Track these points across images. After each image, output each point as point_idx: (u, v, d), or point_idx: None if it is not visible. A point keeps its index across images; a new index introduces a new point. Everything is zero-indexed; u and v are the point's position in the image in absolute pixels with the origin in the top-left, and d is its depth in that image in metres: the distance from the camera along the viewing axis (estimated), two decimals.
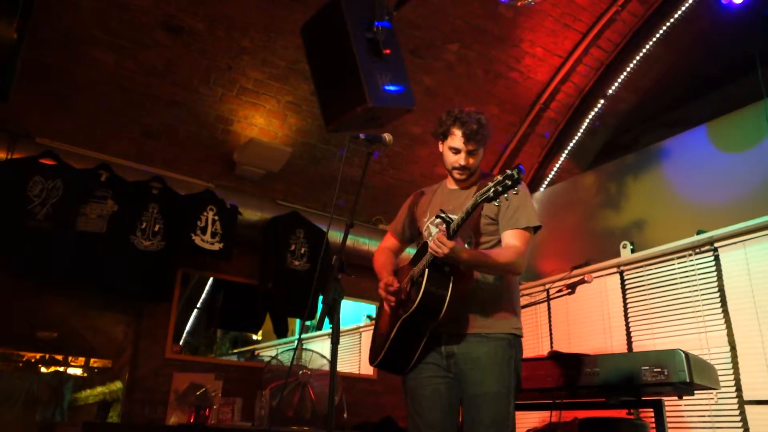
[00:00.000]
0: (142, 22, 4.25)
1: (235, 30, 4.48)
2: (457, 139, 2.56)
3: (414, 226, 2.81)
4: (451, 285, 2.36)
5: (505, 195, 2.15)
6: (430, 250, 2.30)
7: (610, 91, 5.71)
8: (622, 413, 3.47)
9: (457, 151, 2.58)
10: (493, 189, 2.15)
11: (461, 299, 2.41)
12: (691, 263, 4.32)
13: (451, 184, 2.74)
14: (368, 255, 4.39)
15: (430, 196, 2.78)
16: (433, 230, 2.62)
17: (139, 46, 4.34)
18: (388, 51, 3.32)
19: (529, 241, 2.51)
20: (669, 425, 3.37)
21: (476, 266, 2.45)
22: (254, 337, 8.59)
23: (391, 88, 3.22)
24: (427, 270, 2.35)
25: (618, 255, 4.84)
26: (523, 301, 5.13)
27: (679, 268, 4.40)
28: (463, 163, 2.57)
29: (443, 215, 2.30)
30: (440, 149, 2.66)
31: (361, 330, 7.17)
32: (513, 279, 2.59)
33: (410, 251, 2.74)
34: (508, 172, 2.13)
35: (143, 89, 4.51)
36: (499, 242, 2.54)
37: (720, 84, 5.25)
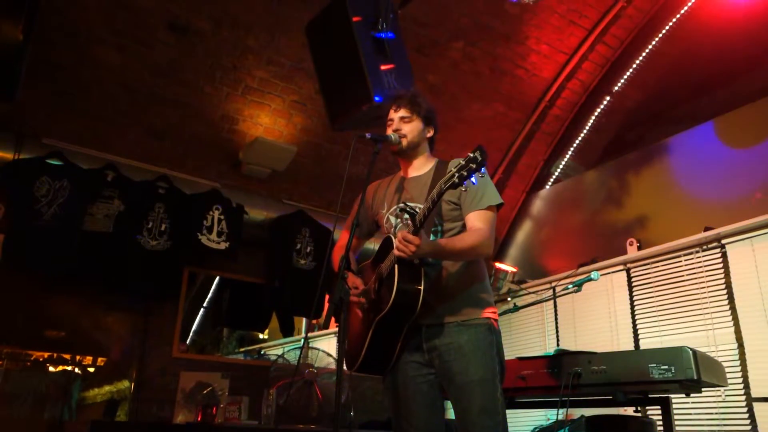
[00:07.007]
0: (147, 22, 4.26)
1: (239, 29, 4.49)
2: (390, 113, 2.59)
3: (372, 220, 2.71)
4: (423, 277, 2.27)
5: (472, 179, 2.02)
6: (395, 251, 2.19)
7: (616, 88, 5.69)
8: (629, 411, 3.46)
9: (390, 122, 2.58)
10: (457, 175, 2.03)
11: (434, 289, 2.34)
12: (698, 260, 4.30)
13: (406, 172, 2.63)
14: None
15: (385, 187, 2.68)
16: (393, 221, 2.54)
17: (145, 46, 4.36)
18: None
19: (493, 221, 2.42)
20: (676, 423, 3.36)
21: (444, 256, 2.36)
22: (260, 335, 8.60)
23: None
24: (396, 266, 2.24)
25: (624, 252, 4.82)
26: (529, 299, 5.18)
27: (686, 265, 4.38)
28: (395, 127, 2.54)
29: (407, 207, 2.21)
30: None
31: None
32: (480, 263, 2.50)
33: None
34: (471, 154, 2.00)
35: (149, 89, 4.53)
36: (464, 227, 2.44)
37: (727, 80, 5.21)
